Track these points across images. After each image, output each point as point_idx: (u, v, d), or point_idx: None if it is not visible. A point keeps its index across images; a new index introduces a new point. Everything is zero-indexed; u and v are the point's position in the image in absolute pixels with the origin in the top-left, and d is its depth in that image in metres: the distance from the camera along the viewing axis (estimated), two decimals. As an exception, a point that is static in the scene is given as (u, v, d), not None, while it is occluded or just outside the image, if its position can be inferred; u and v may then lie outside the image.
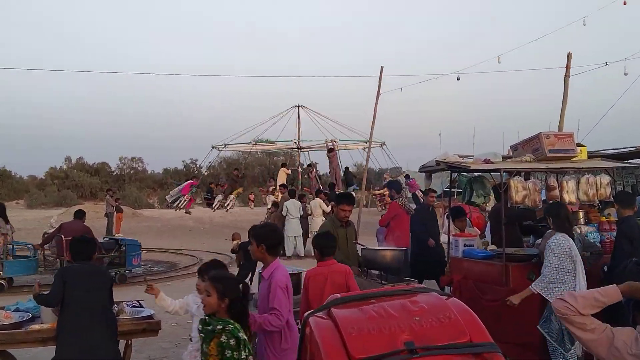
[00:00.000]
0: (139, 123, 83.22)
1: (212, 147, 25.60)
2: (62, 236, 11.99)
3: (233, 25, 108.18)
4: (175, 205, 23.69)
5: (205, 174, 27.86)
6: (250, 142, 25.73)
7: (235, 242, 10.96)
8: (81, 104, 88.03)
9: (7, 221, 12.55)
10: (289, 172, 24.21)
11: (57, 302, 4.96)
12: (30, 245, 13.15)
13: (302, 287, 5.81)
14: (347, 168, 25.85)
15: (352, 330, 2.43)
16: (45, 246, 13.45)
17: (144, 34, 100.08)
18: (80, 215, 12.54)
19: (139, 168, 53.59)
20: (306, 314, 2.73)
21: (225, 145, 25.69)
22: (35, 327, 5.16)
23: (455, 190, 12.60)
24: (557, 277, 6.02)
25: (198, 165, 36.83)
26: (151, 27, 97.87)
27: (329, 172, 23.82)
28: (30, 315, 5.41)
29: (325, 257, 5.68)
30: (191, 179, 24.92)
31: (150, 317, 5.50)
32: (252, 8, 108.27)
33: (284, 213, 17.78)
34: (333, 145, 23.33)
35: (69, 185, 46.70)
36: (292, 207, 17.82)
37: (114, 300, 5.41)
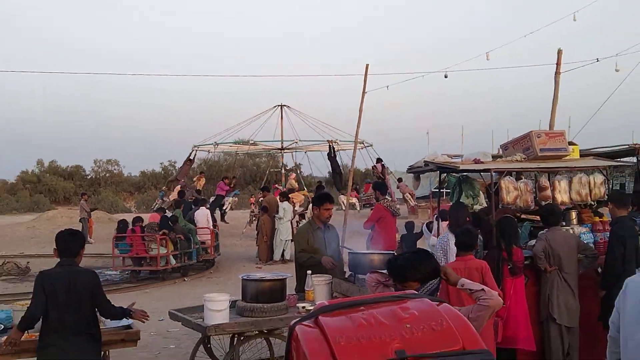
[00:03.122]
0: (114, 125, 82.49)
1: (194, 147, 25.44)
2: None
3: (215, 25, 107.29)
4: (224, 209, 23.81)
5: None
6: (235, 142, 25.71)
7: None
8: (55, 105, 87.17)
9: None
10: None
11: (37, 318, 4.80)
12: None
13: None
14: (320, 183, 25.96)
15: (340, 340, 2.41)
16: None
17: (120, 33, 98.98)
18: None
19: (114, 171, 53.30)
20: (292, 322, 2.71)
21: (216, 144, 25.43)
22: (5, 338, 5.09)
23: (444, 191, 12.59)
24: None
25: (177, 168, 36.59)
26: (125, 26, 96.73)
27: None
28: (2, 326, 5.35)
29: (462, 253, 6.04)
30: (222, 180, 24.84)
31: (129, 326, 5.45)
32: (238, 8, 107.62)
33: (280, 215, 17.72)
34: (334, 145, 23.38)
35: (41, 190, 46.30)
36: (288, 209, 17.85)
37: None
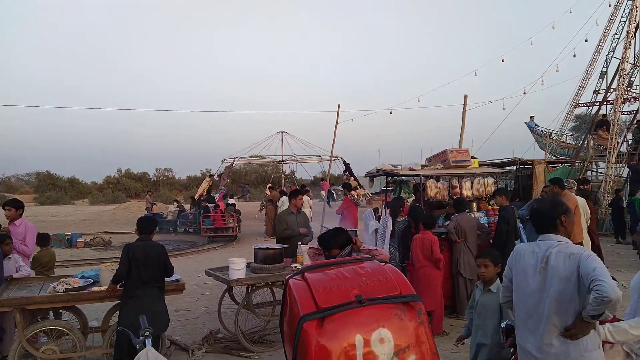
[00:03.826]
0: (170, 144, 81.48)
1: (222, 160, 25.30)
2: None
3: (238, 67, 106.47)
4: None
5: (217, 179, 27.40)
6: (251, 156, 25.57)
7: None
8: (128, 126, 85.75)
9: None
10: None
11: (124, 276, 4.72)
12: None
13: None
14: (303, 185, 25.73)
15: (319, 288, 2.41)
16: None
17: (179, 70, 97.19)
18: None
19: (169, 175, 52.71)
20: (287, 276, 2.70)
21: (239, 157, 25.28)
22: (96, 289, 5.03)
23: (389, 189, 12.59)
24: None
25: (211, 173, 36.12)
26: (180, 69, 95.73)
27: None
28: (92, 280, 5.27)
29: (426, 229, 6.21)
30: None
31: (177, 280, 5.39)
32: (252, 56, 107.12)
33: (280, 204, 17.53)
34: (345, 161, 22.50)
35: (120, 188, 45.74)
36: (286, 201, 17.67)
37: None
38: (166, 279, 5.07)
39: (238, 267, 5.44)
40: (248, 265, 5.75)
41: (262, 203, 22.67)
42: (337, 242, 3.41)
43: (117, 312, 4.92)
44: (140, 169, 51.39)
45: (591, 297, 2.46)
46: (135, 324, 3.25)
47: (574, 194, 7.45)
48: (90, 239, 16.69)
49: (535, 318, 2.72)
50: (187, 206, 21.17)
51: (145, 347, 2.91)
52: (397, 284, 2.47)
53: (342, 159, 22.28)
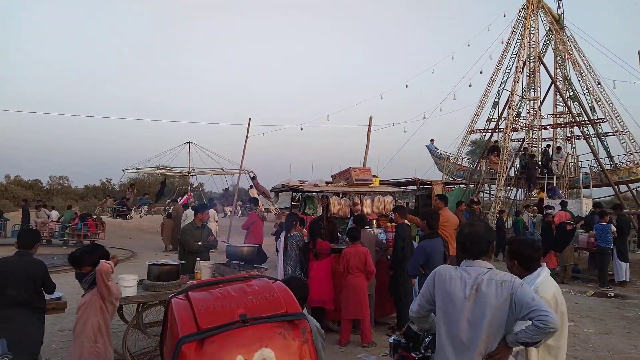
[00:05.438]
0: (65, 153, 75.43)
1: (123, 170, 24.10)
2: None
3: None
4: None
5: (118, 190, 25.94)
6: (156, 167, 24.57)
7: None
8: (17, 129, 78.47)
9: None
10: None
11: None
12: None
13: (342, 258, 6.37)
14: (211, 198, 25.25)
15: (202, 308, 2.30)
16: None
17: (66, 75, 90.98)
18: None
19: (65, 184, 48.89)
20: (170, 296, 2.56)
21: (137, 168, 24.27)
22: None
23: (296, 204, 12.63)
24: None
25: (112, 183, 34.15)
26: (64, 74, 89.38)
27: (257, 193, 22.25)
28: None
29: (353, 242, 6.33)
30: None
31: (59, 298, 4.94)
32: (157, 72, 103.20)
33: (183, 218, 16.85)
34: (254, 174, 22.03)
35: (7, 197, 41.66)
36: (190, 215, 17.05)
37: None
38: (47, 297, 4.64)
39: (128, 285, 5.10)
40: (141, 282, 5.44)
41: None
42: (89, 259, 3.36)
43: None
44: (31, 176, 47.32)
45: (532, 327, 2.49)
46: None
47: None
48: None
49: (464, 344, 2.68)
50: (55, 213, 19.75)
51: (6, 374, 2.60)
52: (283, 302, 2.43)
53: (251, 172, 22.06)
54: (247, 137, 13.01)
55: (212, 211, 17.10)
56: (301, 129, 19.10)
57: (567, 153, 21.92)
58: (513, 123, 23.06)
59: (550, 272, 3.31)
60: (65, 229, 17.75)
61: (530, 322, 2.53)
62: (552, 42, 25.09)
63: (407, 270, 6.13)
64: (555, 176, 19.28)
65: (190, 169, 25.59)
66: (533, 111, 23.69)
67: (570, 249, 11.84)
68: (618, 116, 22.49)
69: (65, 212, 18.82)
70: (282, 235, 6.88)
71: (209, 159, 24.53)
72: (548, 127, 25.24)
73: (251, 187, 21.88)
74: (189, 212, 17.02)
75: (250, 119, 12.94)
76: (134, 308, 5.47)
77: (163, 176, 25.23)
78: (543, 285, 3.05)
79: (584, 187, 19.16)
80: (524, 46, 24.16)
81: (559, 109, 25.59)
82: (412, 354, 3.21)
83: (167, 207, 22.47)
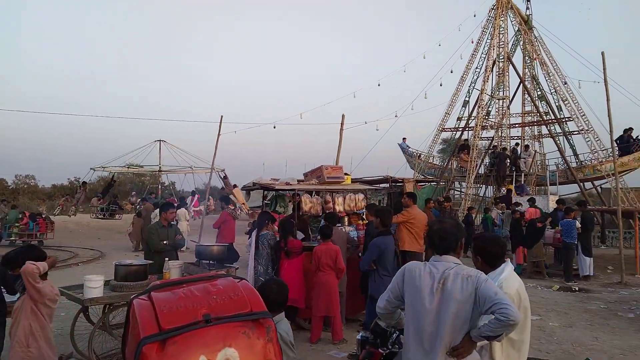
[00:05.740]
0: (32, 149, 73.06)
1: (91, 168, 23.53)
2: None
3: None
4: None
5: (87, 190, 25.21)
6: (125, 166, 24.07)
7: None
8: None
9: None
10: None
11: None
12: None
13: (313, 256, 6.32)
14: (183, 197, 24.80)
15: (164, 308, 2.26)
16: None
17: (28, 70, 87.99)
18: None
19: (31, 183, 47.42)
20: (132, 297, 2.50)
21: (103, 167, 23.74)
22: None
23: (266, 202, 12.61)
24: None
25: (80, 182, 33.26)
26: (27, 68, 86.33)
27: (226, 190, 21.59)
28: None
29: (324, 240, 6.30)
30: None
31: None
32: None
33: (153, 217, 16.53)
34: (225, 174, 21.71)
35: (-32, 196, 40.23)
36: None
37: None
38: (7, 300, 4.48)
39: (94, 285, 5.00)
40: (107, 282, 5.33)
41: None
42: (27, 258, 3.30)
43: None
44: (-4, 175, 45.78)
45: (494, 320, 2.53)
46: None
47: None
48: None
49: (431, 338, 2.71)
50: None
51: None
52: (248, 301, 2.41)
53: (222, 171, 21.82)
54: (219, 134, 12.87)
55: (183, 210, 16.89)
56: (274, 127, 19.00)
57: (535, 151, 22.47)
58: (483, 122, 23.49)
59: (516, 267, 3.38)
60: (10, 228, 17.18)
61: (493, 317, 2.58)
62: (521, 43, 25.63)
63: (360, 266, 6.19)
64: (523, 173, 19.73)
65: (160, 167, 25.12)
66: (502, 110, 24.16)
67: (540, 245, 12.13)
68: (583, 115, 23.14)
69: (10, 212, 18.21)
70: (254, 234, 6.84)
71: (181, 157, 24.09)
72: (516, 125, 25.81)
73: (225, 184, 21.65)
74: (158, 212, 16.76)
75: (222, 116, 12.80)
76: (101, 309, 5.35)
77: (112, 174, 24.70)
78: (507, 281, 3.11)
79: (550, 184, 19.66)
80: (494, 46, 24.61)
81: (527, 108, 26.20)
82: (380, 350, 3.25)
83: (136, 206, 22.04)
